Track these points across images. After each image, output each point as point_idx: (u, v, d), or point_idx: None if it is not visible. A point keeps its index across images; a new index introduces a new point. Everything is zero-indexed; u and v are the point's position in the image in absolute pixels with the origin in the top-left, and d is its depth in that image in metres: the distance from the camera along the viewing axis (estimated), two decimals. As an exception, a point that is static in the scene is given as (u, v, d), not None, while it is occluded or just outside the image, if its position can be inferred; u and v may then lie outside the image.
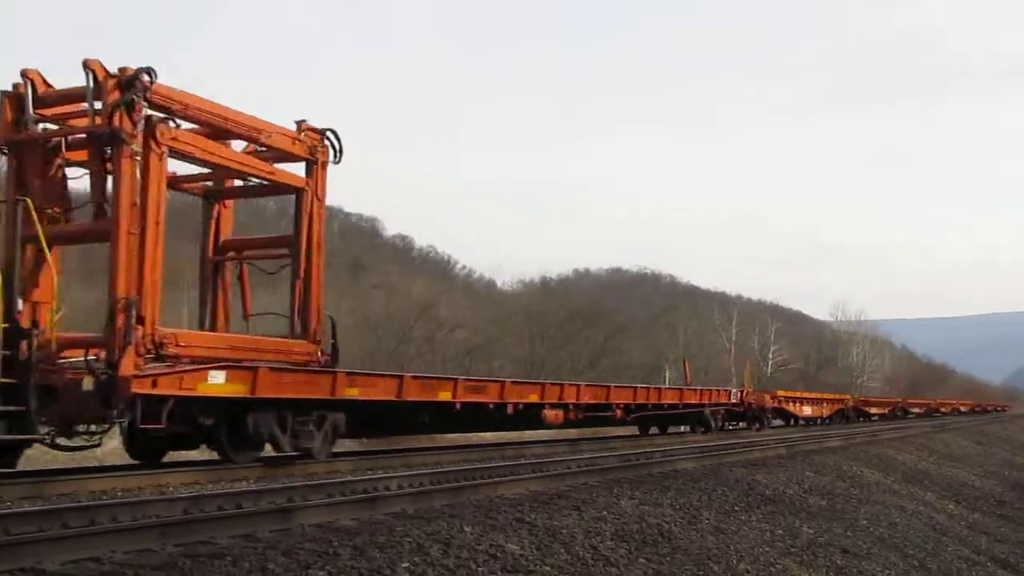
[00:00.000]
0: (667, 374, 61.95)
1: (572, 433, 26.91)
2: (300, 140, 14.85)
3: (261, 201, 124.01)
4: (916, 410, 68.11)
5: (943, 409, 79.91)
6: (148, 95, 12.18)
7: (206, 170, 14.98)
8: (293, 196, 15.41)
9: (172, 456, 14.50)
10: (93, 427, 12.10)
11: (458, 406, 16.92)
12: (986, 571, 14.08)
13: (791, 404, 40.32)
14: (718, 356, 76.24)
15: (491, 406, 18.07)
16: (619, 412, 23.50)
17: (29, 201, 12.07)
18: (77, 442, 12.28)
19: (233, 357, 13.14)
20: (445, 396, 16.82)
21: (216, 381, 12.35)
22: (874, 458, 22.72)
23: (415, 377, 16.83)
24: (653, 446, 21.98)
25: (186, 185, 15.88)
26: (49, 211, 12.55)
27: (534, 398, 19.73)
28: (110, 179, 12.45)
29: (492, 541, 8.01)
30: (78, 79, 12.33)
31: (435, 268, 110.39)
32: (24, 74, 12.57)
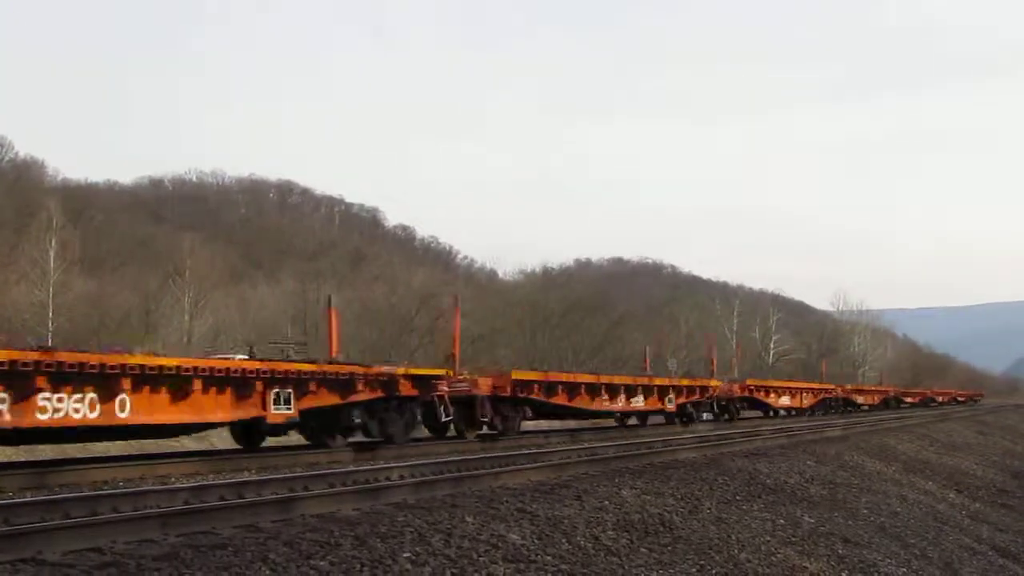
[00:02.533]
0: (669, 364, 61.87)
1: (571, 423, 26.84)
2: None
3: (261, 196, 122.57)
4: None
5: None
6: None
7: None
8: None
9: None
10: None
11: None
12: (987, 560, 14.08)
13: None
14: (720, 346, 76.12)
15: None
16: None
17: None
18: None
19: None
20: None
21: None
22: (875, 448, 22.74)
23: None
24: (654, 436, 22.00)
25: None
26: None
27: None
28: None
29: (494, 531, 8.02)
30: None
31: (437, 259, 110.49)
32: None
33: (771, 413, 37.77)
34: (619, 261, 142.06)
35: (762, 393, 35.56)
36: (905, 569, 11.51)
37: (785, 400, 38.12)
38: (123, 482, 11.33)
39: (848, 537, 11.87)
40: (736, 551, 9.60)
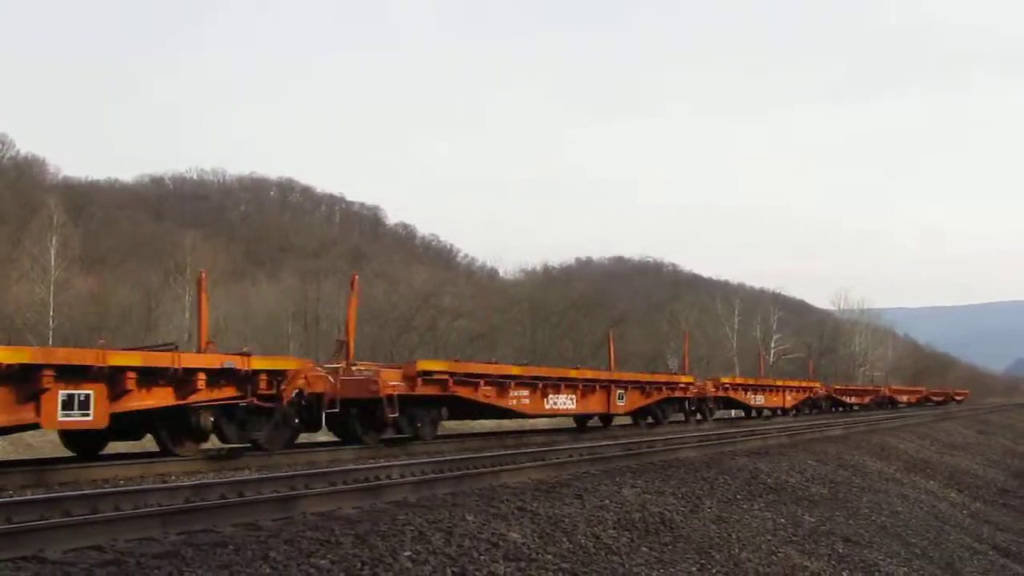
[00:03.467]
0: (670, 363, 61.94)
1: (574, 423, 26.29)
2: None
3: (262, 194, 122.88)
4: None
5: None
6: None
7: None
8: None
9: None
10: None
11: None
12: (988, 560, 14.07)
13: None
14: (720, 344, 76.17)
15: None
16: None
17: None
18: None
19: None
20: None
21: None
22: (876, 447, 22.74)
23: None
24: (655, 435, 22.01)
25: None
26: None
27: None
28: None
29: (494, 529, 8.01)
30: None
31: (437, 257, 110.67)
32: None
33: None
34: (619, 260, 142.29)
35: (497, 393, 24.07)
36: (906, 568, 11.51)
37: (562, 404, 24.29)
38: (123, 480, 11.34)
39: (849, 536, 11.87)
40: (737, 550, 9.60)
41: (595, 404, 22.92)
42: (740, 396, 33.26)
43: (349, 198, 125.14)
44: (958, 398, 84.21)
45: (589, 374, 23.27)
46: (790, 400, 38.06)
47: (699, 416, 29.43)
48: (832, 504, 13.68)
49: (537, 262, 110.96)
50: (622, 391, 23.67)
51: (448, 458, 13.82)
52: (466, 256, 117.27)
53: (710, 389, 29.82)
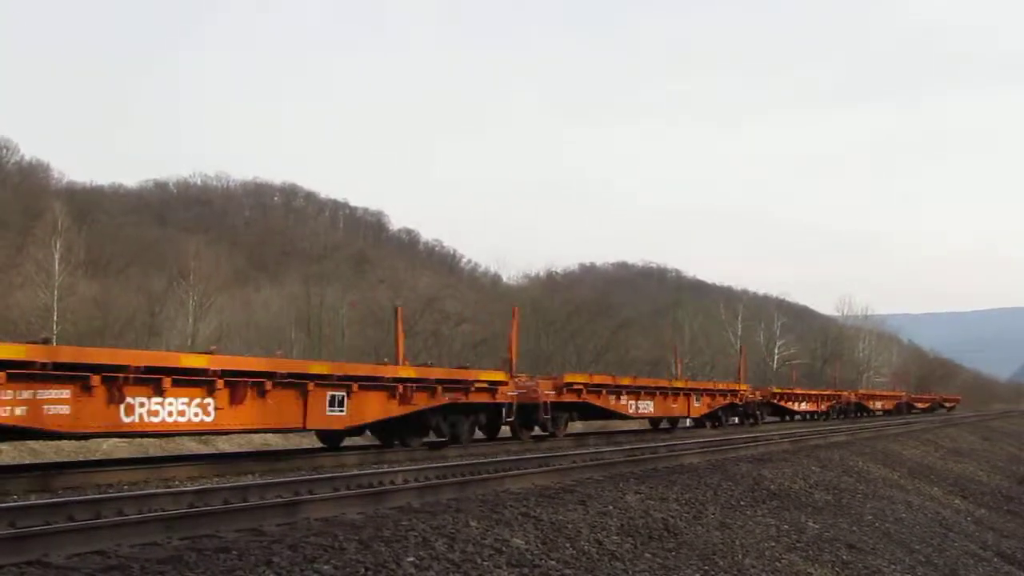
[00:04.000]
0: (673, 368, 61.85)
1: (578, 427, 26.30)
2: None
3: (266, 199, 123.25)
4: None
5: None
6: None
7: None
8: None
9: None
10: None
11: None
12: (992, 566, 14.04)
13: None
14: (723, 351, 76.05)
15: None
16: None
17: None
18: None
19: None
20: None
21: None
22: (880, 453, 22.69)
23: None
24: (658, 441, 21.99)
25: None
26: None
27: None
28: None
29: (498, 535, 8.01)
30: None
31: (441, 262, 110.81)
32: None
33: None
34: (623, 265, 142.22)
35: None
36: (910, 575, 11.49)
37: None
38: (127, 485, 11.34)
39: (853, 543, 11.84)
40: (740, 556, 9.58)
41: (262, 414, 13.64)
42: (605, 402, 23.39)
43: (353, 203, 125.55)
44: (947, 405, 76.00)
45: (225, 361, 13.28)
46: (701, 407, 29.54)
47: (540, 430, 21.05)
48: (836, 510, 13.65)
49: (540, 267, 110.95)
50: (340, 394, 14.82)
51: (452, 463, 13.83)
52: (469, 261, 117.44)
53: (545, 392, 20.58)
